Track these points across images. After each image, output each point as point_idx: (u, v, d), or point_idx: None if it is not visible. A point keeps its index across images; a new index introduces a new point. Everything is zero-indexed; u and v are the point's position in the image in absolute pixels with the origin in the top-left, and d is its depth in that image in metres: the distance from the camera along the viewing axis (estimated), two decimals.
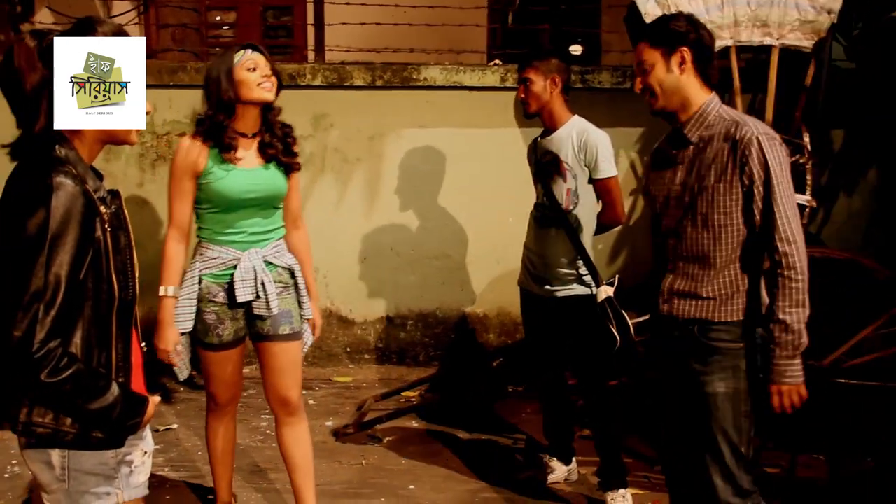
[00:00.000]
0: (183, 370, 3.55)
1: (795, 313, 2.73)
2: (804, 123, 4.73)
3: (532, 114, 4.15)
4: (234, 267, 3.47)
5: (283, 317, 3.57)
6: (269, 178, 3.53)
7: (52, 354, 1.93)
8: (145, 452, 2.26)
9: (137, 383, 2.23)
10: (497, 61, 6.27)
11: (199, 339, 3.55)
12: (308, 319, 3.72)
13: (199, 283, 3.50)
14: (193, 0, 6.77)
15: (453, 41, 6.81)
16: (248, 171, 3.48)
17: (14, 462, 4.48)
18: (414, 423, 5.26)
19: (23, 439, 2.11)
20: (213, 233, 3.52)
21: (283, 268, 3.59)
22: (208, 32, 7.88)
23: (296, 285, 3.63)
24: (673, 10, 4.35)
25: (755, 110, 5.02)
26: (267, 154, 3.52)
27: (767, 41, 4.60)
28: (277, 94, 3.50)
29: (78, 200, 1.99)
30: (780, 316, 2.74)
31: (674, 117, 2.95)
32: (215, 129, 3.43)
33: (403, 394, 5.56)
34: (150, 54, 7.10)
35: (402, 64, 6.01)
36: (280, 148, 3.55)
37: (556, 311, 4.12)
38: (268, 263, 3.53)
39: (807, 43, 4.59)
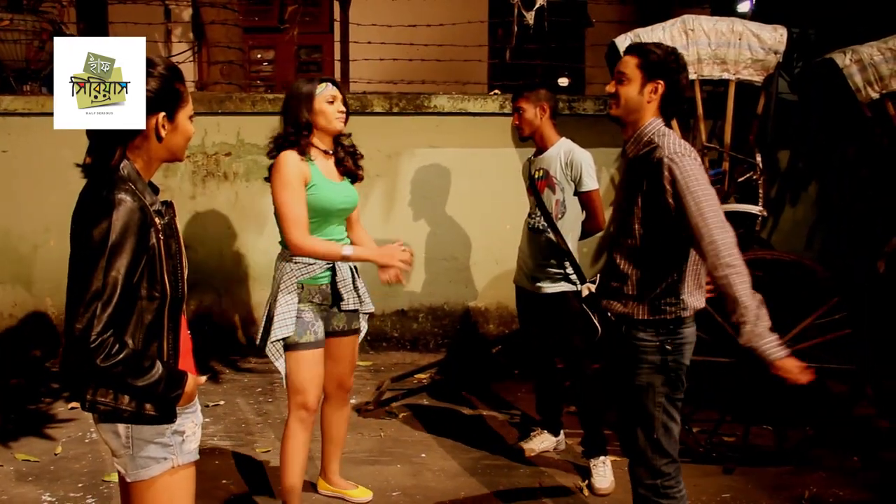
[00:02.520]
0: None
1: (745, 304, 2.54)
2: (756, 145, 4.75)
3: (525, 137, 4.18)
4: (329, 269, 3.42)
5: (353, 314, 3.60)
6: (352, 191, 3.52)
7: (106, 343, 1.96)
8: (196, 424, 2.27)
9: (187, 366, 2.26)
10: (496, 91, 6.29)
11: (295, 341, 3.36)
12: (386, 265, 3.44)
13: (301, 288, 3.39)
14: (238, 40, 6.80)
15: (459, 74, 6.85)
16: (339, 185, 3.46)
17: (91, 430, 4.52)
18: (425, 401, 5.28)
19: (94, 414, 2.16)
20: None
21: (355, 268, 3.59)
22: (251, 68, 7.92)
23: (357, 286, 3.59)
24: None
25: (715, 134, 5.05)
26: (344, 167, 3.50)
27: (725, 76, 4.63)
28: (346, 121, 3.48)
29: (136, 214, 2.01)
30: (736, 310, 2.55)
31: (624, 127, 2.85)
32: (297, 142, 3.36)
33: (416, 376, 5.55)
34: (202, 87, 7.16)
35: (415, 93, 6.04)
36: (350, 162, 3.53)
37: (547, 305, 4.14)
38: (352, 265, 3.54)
39: (758, 78, 4.62)
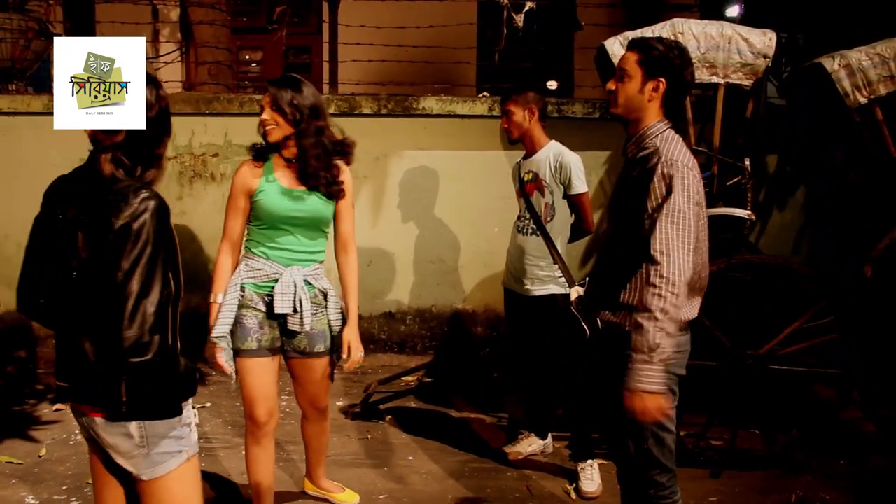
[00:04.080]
0: (231, 371, 3.29)
1: (653, 319, 2.44)
2: (745, 149, 4.77)
3: (515, 140, 4.18)
4: (276, 280, 3.28)
5: (318, 336, 3.38)
6: (312, 203, 3.29)
7: (154, 342, 2.00)
8: (195, 416, 2.32)
9: None
10: (485, 93, 6.29)
11: (237, 347, 3.28)
12: (345, 341, 3.38)
13: (242, 290, 3.29)
14: (226, 41, 6.77)
15: (448, 76, 6.86)
16: (296, 193, 3.27)
17: (76, 432, 4.49)
18: (412, 404, 5.27)
19: (100, 416, 2.15)
20: (260, 245, 3.31)
21: (319, 290, 3.37)
22: (239, 68, 7.89)
23: (327, 308, 3.39)
24: None
25: (704, 138, 5.06)
26: (308, 182, 3.28)
27: (715, 80, 4.64)
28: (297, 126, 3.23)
29: (167, 212, 2.07)
30: (637, 319, 2.48)
31: (626, 126, 2.76)
32: (263, 152, 3.34)
33: (403, 378, 5.54)
34: (189, 87, 7.13)
35: (403, 95, 6.02)
36: (320, 177, 3.28)
37: (535, 307, 4.14)
38: (307, 283, 3.32)
39: (747, 82, 4.64)
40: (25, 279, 2.26)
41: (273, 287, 3.28)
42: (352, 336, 3.39)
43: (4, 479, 4.02)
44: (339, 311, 3.45)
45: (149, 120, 2.09)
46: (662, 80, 2.65)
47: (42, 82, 6.63)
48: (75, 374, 2.16)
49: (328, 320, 3.41)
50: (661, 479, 2.74)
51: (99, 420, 2.16)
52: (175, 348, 2.15)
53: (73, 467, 4.15)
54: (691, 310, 2.72)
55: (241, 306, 3.29)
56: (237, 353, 3.30)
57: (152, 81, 2.14)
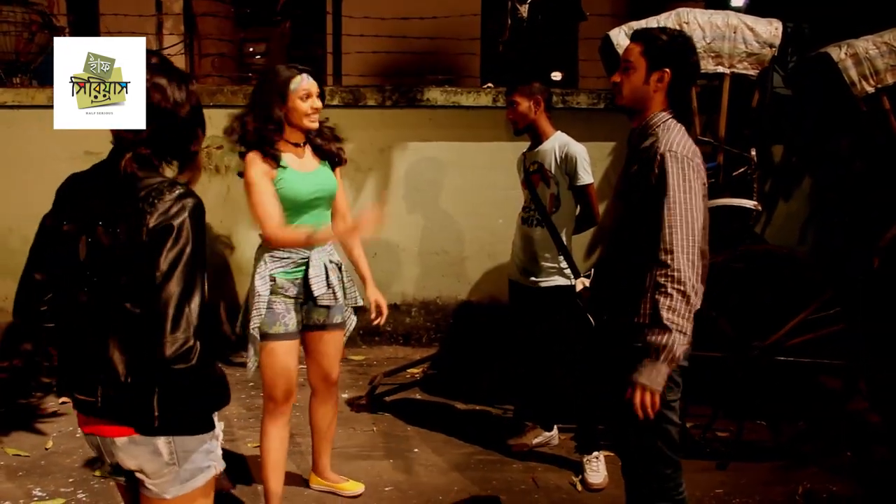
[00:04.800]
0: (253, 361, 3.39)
1: (663, 318, 2.45)
2: (751, 139, 4.74)
3: (520, 131, 4.17)
4: (303, 264, 3.35)
5: (337, 308, 3.52)
6: (327, 178, 3.42)
7: (195, 349, 1.88)
8: (220, 427, 2.22)
9: None
10: (490, 84, 6.26)
11: (265, 332, 3.32)
12: (372, 301, 3.57)
13: (273, 280, 3.32)
14: (230, 33, 6.77)
15: (452, 67, 6.84)
16: (311, 174, 3.37)
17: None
18: (417, 396, 5.27)
19: (124, 433, 2.02)
20: None
21: (336, 263, 3.50)
22: (243, 60, 7.88)
23: (341, 279, 3.53)
24: None
25: (710, 128, 5.03)
26: (322, 151, 3.43)
27: (720, 69, 4.62)
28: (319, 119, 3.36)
29: (203, 211, 1.98)
30: (651, 316, 2.50)
31: (632, 116, 2.75)
32: (262, 140, 3.26)
33: (409, 370, 5.55)
34: (193, 79, 7.11)
35: (408, 86, 6.00)
36: (328, 146, 3.44)
37: (541, 299, 4.13)
38: (329, 260, 3.45)
39: (753, 72, 4.61)
40: (26, 283, 2.15)
41: (302, 272, 3.36)
42: (377, 295, 3.60)
43: (11, 471, 4.03)
44: (351, 280, 3.61)
45: (181, 118, 2.03)
46: (667, 70, 2.63)
47: (46, 76, 6.61)
48: (93, 389, 2.00)
49: (345, 291, 3.56)
50: (666, 471, 2.73)
51: (121, 441, 2.03)
52: (211, 354, 2.01)
53: (79, 460, 4.15)
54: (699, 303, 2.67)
55: (271, 292, 3.33)
56: (264, 336, 3.34)
57: (183, 77, 2.06)
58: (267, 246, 3.34)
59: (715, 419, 4.30)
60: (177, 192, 1.94)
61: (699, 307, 2.63)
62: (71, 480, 3.94)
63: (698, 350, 4.02)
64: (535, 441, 4.38)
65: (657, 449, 2.70)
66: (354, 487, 3.87)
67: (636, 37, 2.73)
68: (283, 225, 3.26)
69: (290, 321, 3.38)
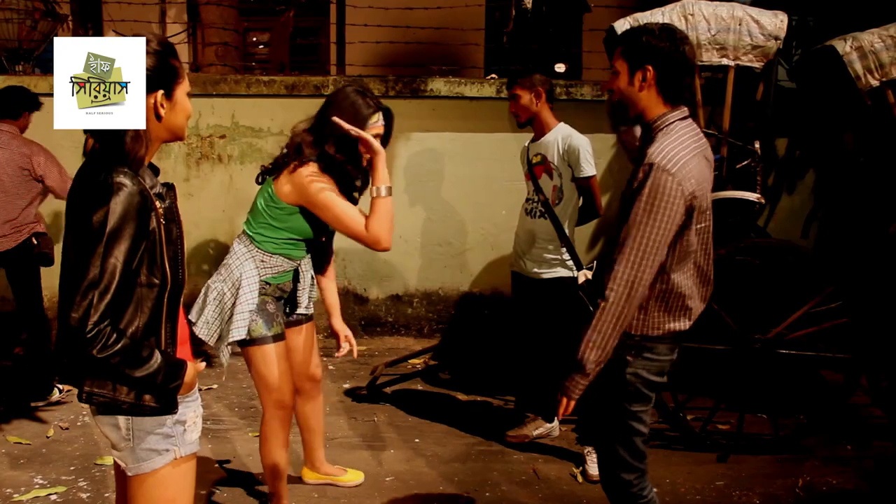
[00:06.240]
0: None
1: (588, 330, 2.47)
2: (755, 132, 4.73)
3: (523, 123, 4.16)
4: (289, 271, 3.28)
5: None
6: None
7: (102, 334, 1.89)
8: (197, 414, 2.20)
9: (185, 354, 2.19)
10: (493, 75, 6.25)
11: (263, 334, 3.19)
12: (341, 333, 3.56)
13: (267, 285, 3.23)
14: (234, 22, 6.75)
15: (455, 58, 6.82)
16: None
17: (84, 413, 4.51)
18: (419, 386, 5.28)
19: (92, 406, 2.09)
20: (284, 249, 3.20)
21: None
22: (246, 50, 7.87)
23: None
24: None
25: (714, 121, 5.03)
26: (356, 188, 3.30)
27: (725, 62, 4.59)
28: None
29: (135, 199, 1.93)
30: (585, 325, 2.49)
31: (635, 118, 2.62)
32: (336, 167, 3.12)
33: (410, 361, 5.55)
34: (196, 68, 7.11)
35: (411, 77, 5.99)
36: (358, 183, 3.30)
37: (543, 290, 4.13)
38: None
39: (757, 64, 4.59)
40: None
41: (289, 277, 3.31)
42: (343, 327, 3.58)
43: (13, 459, 4.04)
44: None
45: None
46: (649, 66, 2.50)
47: (49, 63, 6.60)
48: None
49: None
50: (627, 477, 2.69)
51: (92, 407, 2.11)
52: (148, 342, 2.03)
53: (80, 448, 4.16)
54: (677, 321, 2.59)
55: (260, 294, 3.21)
56: (263, 340, 3.19)
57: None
58: (379, 250, 3.14)
59: (716, 411, 4.30)
60: (109, 180, 1.94)
61: (683, 329, 2.59)
62: (72, 469, 3.95)
63: (701, 342, 4.05)
64: (536, 432, 4.38)
65: (620, 456, 2.68)
66: (355, 477, 3.85)
67: (618, 41, 2.65)
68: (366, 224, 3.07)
69: (282, 322, 3.31)
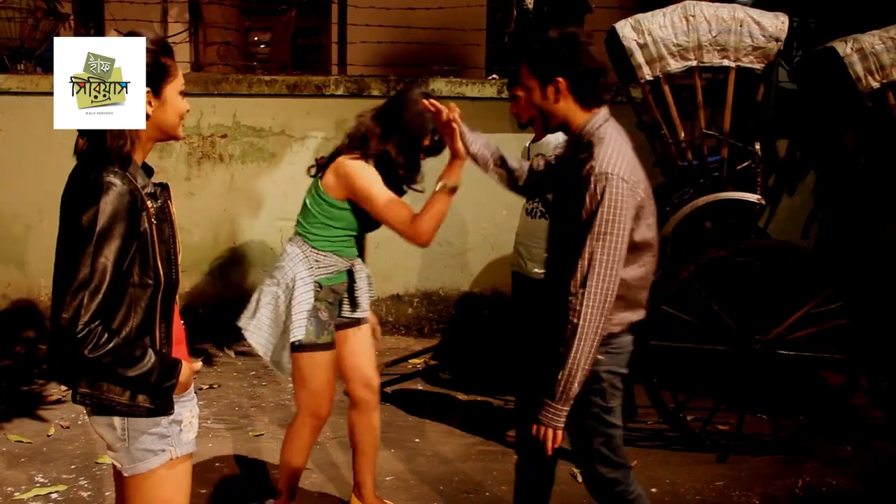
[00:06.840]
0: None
1: (567, 358, 2.39)
2: (756, 133, 4.73)
3: (525, 124, 4.16)
4: (342, 271, 3.19)
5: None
6: None
7: (93, 334, 1.88)
8: (192, 413, 2.19)
9: (181, 354, 2.17)
10: (494, 76, 6.26)
11: (311, 342, 3.09)
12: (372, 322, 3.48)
13: (319, 287, 3.11)
14: (235, 21, 6.76)
15: (457, 58, 6.82)
16: None
17: (84, 412, 4.49)
18: (419, 386, 5.28)
19: (87, 407, 2.08)
20: (337, 246, 3.15)
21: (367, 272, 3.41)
22: (248, 49, 7.87)
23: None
24: (647, 36, 4.34)
25: (715, 122, 5.03)
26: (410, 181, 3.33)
27: (726, 63, 4.58)
28: None
29: (125, 198, 1.92)
30: (560, 350, 2.42)
31: (563, 130, 2.63)
32: (389, 165, 3.13)
33: (410, 361, 5.55)
34: (197, 68, 7.11)
35: (412, 76, 6.00)
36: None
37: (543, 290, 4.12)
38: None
39: (758, 65, 4.58)
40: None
41: (343, 278, 3.21)
42: (373, 318, 3.48)
43: (14, 458, 4.04)
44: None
45: None
46: (559, 78, 2.48)
47: (50, 63, 6.61)
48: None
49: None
50: (613, 475, 2.67)
51: (87, 408, 2.10)
52: (141, 341, 2.02)
53: (81, 447, 4.17)
54: (634, 312, 2.61)
55: (315, 299, 3.11)
56: (312, 347, 3.10)
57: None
58: (418, 245, 3.13)
59: (716, 412, 4.31)
60: (99, 179, 1.94)
61: (638, 319, 2.59)
62: (73, 467, 3.95)
63: (701, 343, 4.06)
64: None
65: (600, 454, 2.65)
66: None
67: (521, 58, 2.63)
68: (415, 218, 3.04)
69: (333, 329, 3.19)
